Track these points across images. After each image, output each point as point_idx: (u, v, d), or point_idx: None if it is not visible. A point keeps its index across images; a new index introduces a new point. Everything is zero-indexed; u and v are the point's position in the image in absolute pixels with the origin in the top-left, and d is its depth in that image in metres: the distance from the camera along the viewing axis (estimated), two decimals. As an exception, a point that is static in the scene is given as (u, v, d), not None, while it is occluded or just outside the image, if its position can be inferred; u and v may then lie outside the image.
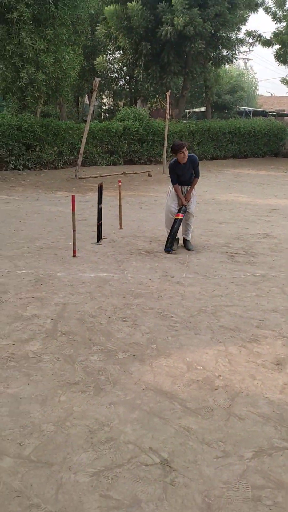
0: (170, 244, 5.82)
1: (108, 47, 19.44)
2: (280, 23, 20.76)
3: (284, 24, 20.57)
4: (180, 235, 6.15)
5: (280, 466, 2.16)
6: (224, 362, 3.11)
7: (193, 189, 6.05)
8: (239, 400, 2.68)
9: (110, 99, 27.32)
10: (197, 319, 3.82)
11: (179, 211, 5.94)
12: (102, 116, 26.33)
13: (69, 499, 1.93)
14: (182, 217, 5.93)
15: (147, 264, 5.29)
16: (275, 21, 20.83)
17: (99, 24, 18.09)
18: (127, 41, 17.08)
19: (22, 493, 1.95)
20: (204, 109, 27.11)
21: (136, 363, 3.06)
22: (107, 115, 26.10)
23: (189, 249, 5.95)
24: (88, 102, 28.75)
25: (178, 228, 5.88)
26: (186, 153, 5.76)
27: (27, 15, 11.63)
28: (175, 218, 5.89)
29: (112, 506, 1.90)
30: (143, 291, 4.43)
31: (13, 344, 3.25)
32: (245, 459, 2.20)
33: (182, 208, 5.95)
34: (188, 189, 6.00)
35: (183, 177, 5.95)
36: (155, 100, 26.01)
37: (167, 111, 15.07)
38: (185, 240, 6.12)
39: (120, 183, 7.38)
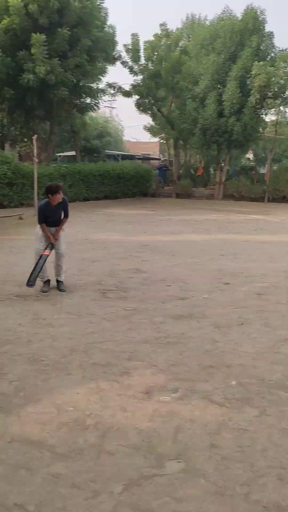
0: (33, 278, 5.68)
1: None
2: (137, 76, 22.63)
3: (141, 77, 22.48)
4: (52, 277, 6.07)
5: (149, 494, 2.18)
6: (95, 399, 3.09)
7: (62, 230, 6.08)
8: (110, 435, 2.67)
9: (-25, 142, 26.42)
10: (69, 359, 3.76)
11: (45, 248, 5.89)
12: None
13: None
14: (48, 254, 5.89)
15: (17, 309, 5.09)
16: (132, 74, 22.65)
17: None
18: (-11, 86, 16.91)
19: None
20: (73, 153, 27.82)
21: (1, 415, 2.87)
22: (-27, 159, 25.12)
23: (61, 290, 5.89)
24: None
25: (43, 263, 5.79)
26: (62, 195, 5.82)
27: None
28: (41, 254, 5.82)
29: None
30: (11, 337, 4.23)
31: None
32: (115, 495, 2.18)
33: (49, 245, 5.93)
34: (57, 228, 6.01)
35: (53, 218, 5.95)
36: (24, 143, 25.90)
37: (35, 155, 15.10)
38: (57, 281, 6.05)
39: (-15, 228, 7.07)
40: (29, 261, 7.79)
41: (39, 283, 5.87)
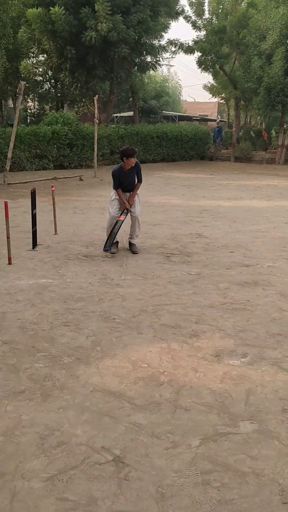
0: (109, 244, 5.87)
1: (31, 50, 19.06)
2: (200, 32, 21.63)
3: (204, 32, 21.47)
4: (120, 238, 6.20)
5: (225, 450, 2.30)
6: (167, 359, 3.23)
7: (137, 194, 6.12)
8: (183, 393, 2.80)
9: (36, 102, 26.79)
10: (139, 319, 3.92)
11: (121, 214, 6.01)
12: (28, 120, 25.75)
13: (25, 506, 1.92)
14: (123, 219, 6.02)
15: (86, 268, 5.31)
16: (195, 30, 21.67)
17: (21, 27, 17.69)
18: (52, 45, 16.89)
19: (-25, 507, 1.91)
20: (131, 113, 27.49)
21: (82, 366, 3.09)
22: (33, 119, 25.56)
23: (134, 252, 6.04)
24: (12, 106, 27.95)
25: (118, 229, 5.95)
26: (135, 159, 5.85)
27: None
28: (117, 220, 5.96)
29: (69, 508, 1.92)
30: (83, 295, 4.44)
31: None
32: (193, 447, 2.31)
33: (125, 211, 6.04)
34: (131, 193, 6.07)
35: (126, 182, 6.01)
36: (82, 104, 25.92)
37: (96, 116, 15.11)
38: (130, 243, 6.18)
39: (53, 188, 7.30)
40: (92, 221, 8.03)
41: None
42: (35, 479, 2.07)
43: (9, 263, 5.36)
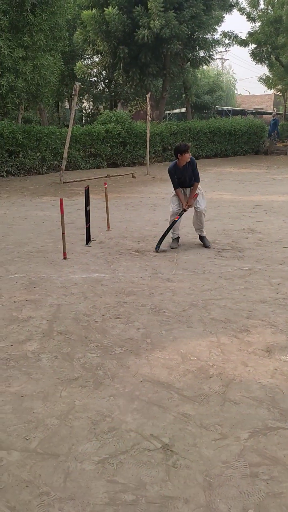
0: (159, 244, 5.94)
1: (86, 52, 19.53)
2: (254, 23, 21.13)
3: (259, 23, 20.94)
4: (177, 234, 6.24)
5: (275, 444, 2.28)
6: (217, 352, 3.23)
7: (199, 189, 6.10)
8: (233, 386, 2.79)
9: (90, 103, 27.42)
10: (189, 313, 3.94)
11: (179, 214, 6.05)
12: (83, 120, 26.41)
13: (77, 486, 2.01)
14: (178, 219, 6.06)
15: (137, 263, 5.39)
16: (250, 21, 21.19)
17: (77, 29, 18.17)
18: (106, 45, 17.21)
19: (32, 483, 2.03)
20: (184, 110, 27.40)
21: (132, 357, 3.16)
22: (88, 119, 26.19)
23: (206, 246, 6.08)
24: (68, 107, 28.78)
25: (170, 229, 6.03)
26: (190, 154, 5.86)
27: (4, 23, 11.65)
28: (174, 220, 6.03)
29: (118, 490, 1.99)
30: (134, 289, 4.53)
31: (11, 345, 3.32)
32: (241, 440, 2.31)
33: (181, 211, 6.06)
34: (190, 192, 6.07)
35: (182, 179, 6.03)
36: (135, 102, 26.20)
37: (148, 113, 15.21)
38: (201, 237, 6.23)
39: (106, 185, 7.47)
40: (144, 217, 8.13)
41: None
42: (87, 461, 2.16)
43: (64, 258, 5.57)
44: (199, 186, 6.12)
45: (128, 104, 26.78)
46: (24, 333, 3.53)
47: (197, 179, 6.02)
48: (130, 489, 1.99)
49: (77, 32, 18.30)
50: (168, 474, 2.08)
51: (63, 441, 2.30)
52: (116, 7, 16.20)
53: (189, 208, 6.10)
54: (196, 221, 6.19)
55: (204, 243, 6.17)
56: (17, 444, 2.27)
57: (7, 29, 11.88)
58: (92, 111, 27.04)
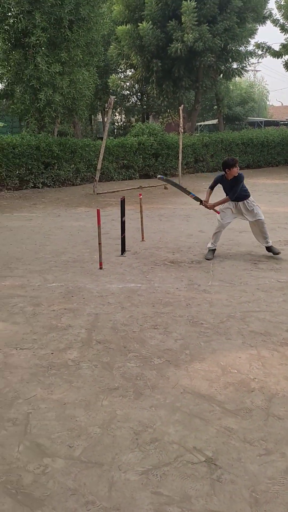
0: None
1: (120, 66, 19.90)
2: (288, 34, 20.99)
3: (293, 34, 20.79)
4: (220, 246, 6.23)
5: None
6: (257, 366, 3.18)
7: (253, 202, 6.06)
8: (276, 401, 2.73)
9: (123, 115, 27.83)
10: (227, 325, 3.90)
11: (195, 198, 6.31)
12: (115, 133, 26.82)
13: (122, 496, 2.01)
14: (192, 196, 6.36)
15: (172, 274, 5.39)
16: (284, 33, 21.07)
17: (112, 44, 18.57)
18: (139, 59, 17.48)
19: (77, 491, 2.04)
20: (215, 121, 27.41)
21: (172, 368, 3.15)
22: (120, 131, 26.57)
23: (276, 253, 6.07)
24: (101, 120, 29.31)
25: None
26: (238, 169, 5.86)
27: (43, 39, 12.04)
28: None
29: (163, 502, 1.98)
30: (171, 299, 4.53)
31: (52, 353, 3.37)
32: (287, 456, 2.25)
33: (199, 199, 6.28)
34: (242, 206, 6.06)
35: (228, 192, 6.04)
36: (166, 114, 26.40)
37: (181, 125, 15.30)
38: (268, 248, 6.15)
39: (141, 196, 7.53)
40: (178, 228, 8.13)
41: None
42: (131, 471, 2.16)
43: (100, 268, 5.63)
44: (252, 198, 6.07)
45: (160, 116, 27.03)
46: (64, 342, 3.58)
47: (231, 196, 5.97)
48: (175, 502, 1.97)
49: (111, 46, 18.70)
50: (213, 488, 2.05)
51: (106, 450, 2.31)
52: (150, 22, 16.48)
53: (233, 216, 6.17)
54: (259, 233, 6.11)
55: (273, 251, 6.10)
56: (61, 452, 2.30)
57: (45, 45, 12.27)
58: (124, 124, 27.44)
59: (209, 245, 6.16)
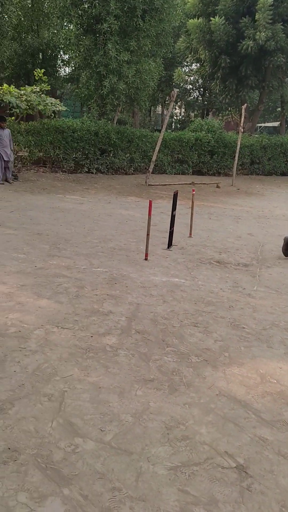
0: None
1: (186, 59, 19.72)
2: None
3: None
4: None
5: None
6: (299, 379, 3.06)
7: None
8: (315, 418, 2.62)
9: (183, 110, 27.64)
10: (270, 332, 3.78)
11: None
12: (173, 126, 26.69)
13: (149, 488, 2.00)
14: None
15: (217, 274, 5.30)
16: None
17: (182, 36, 18.42)
18: (207, 54, 17.23)
19: (105, 476, 2.05)
20: (276, 124, 26.65)
21: (209, 368, 3.10)
22: (178, 125, 26.41)
23: None
24: (160, 112, 29.26)
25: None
26: None
27: (115, 27, 12.10)
28: None
29: (189, 501, 1.95)
30: (214, 299, 4.45)
31: (91, 336, 3.41)
32: None
33: None
34: None
35: None
36: (227, 112, 25.95)
37: (241, 125, 14.98)
38: None
39: (194, 192, 7.44)
40: (227, 228, 7.99)
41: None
42: (159, 465, 2.14)
43: (146, 259, 5.62)
44: None
45: (220, 114, 26.61)
46: (104, 327, 3.60)
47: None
48: (202, 503, 1.94)
49: (180, 39, 18.54)
50: (242, 496, 2.00)
51: (137, 440, 2.30)
52: (222, 17, 16.18)
53: None
54: None
55: None
56: (93, 434, 2.31)
57: (117, 33, 12.33)
58: (183, 118, 27.24)
59: None
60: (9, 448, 2.16)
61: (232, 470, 2.16)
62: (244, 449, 2.31)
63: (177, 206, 7.04)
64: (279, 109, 24.27)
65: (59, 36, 18.24)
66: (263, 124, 31.78)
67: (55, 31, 18.75)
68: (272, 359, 3.31)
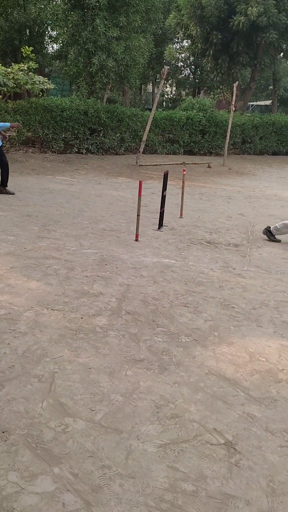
0: None
1: (177, 36, 19.32)
2: None
3: None
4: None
5: None
6: (287, 357, 3.10)
7: None
8: (303, 395, 2.67)
9: (173, 88, 27.23)
10: (259, 312, 3.81)
11: None
12: (164, 105, 26.32)
13: (138, 466, 2.03)
14: None
15: (208, 254, 5.31)
16: None
17: (172, 12, 18.00)
18: (198, 30, 16.90)
19: (95, 454, 2.07)
20: (268, 102, 26.41)
21: (199, 347, 3.12)
22: (169, 104, 26.05)
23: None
24: (151, 90, 28.79)
25: None
26: None
27: (103, 2, 11.77)
28: None
29: (178, 478, 1.98)
30: (204, 279, 4.46)
31: (82, 318, 3.40)
32: (309, 452, 2.20)
33: None
34: None
35: None
36: (218, 91, 25.62)
37: (233, 103, 14.81)
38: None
39: (185, 172, 7.39)
40: (217, 208, 7.97)
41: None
42: (149, 443, 2.17)
43: (136, 240, 5.60)
44: None
45: (211, 92, 26.26)
46: (94, 308, 3.60)
47: None
48: (191, 479, 1.97)
49: (170, 15, 18.12)
50: (230, 472, 2.04)
51: (127, 419, 2.32)
52: (214, -9, 15.81)
53: None
54: None
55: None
56: (83, 414, 2.33)
57: (105, 8, 12.00)
58: (174, 96, 26.85)
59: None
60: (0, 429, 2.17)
61: (221, 446, 2.19)
62: (232, 426, 2.34)
63: (167, 187, 6.99)
64: (271, 87, 24.00)
65: (46, 12, 17.71)
66: (255, 103, 31.46)
67: (42, 6, 18.21)
68: (261, 338, 3.34)
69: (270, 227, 6.12)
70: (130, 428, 2.26)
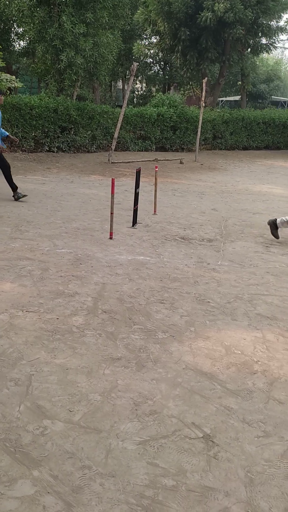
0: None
1: (145, 32, 19.30)
2: None
3: None
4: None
5: None
6: (262, 349, 3.16)
7: None
8: (278, 385, 2.73)
9: (144, 84, 27.21)
10: (234, 305, 3.87)
11: None
12: (135, 102, 26.27)
13: (118, 464, 2.03)
14: None
15: (182, 250, 5.35)
16: None
17: (139, 8, 17.96)
18: (166, 26, 16.92)
19: (74, 455, 2.07)
20: (237, 97, 26.73)
21: (176, 343, 3.15)
22: (140, 100, 26.02)
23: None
24: (121, 87, 28.69)
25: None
26: None
27: (69, -3, 11.65)
28: None
29: (158, 474, 2.00)
30: (179, 275, 4.50)
31: (57, 318, 3.38)
32: (285, 440, 2.26)
33: None
34: None
35: None
36: (188, 87, 25.76)
37: (202, 99, 14.90)
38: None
39: (157, 169, 7.41)
40: (191, 204, 8.03)
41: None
42: (128, 440, 2.18)
43: (110, 238, 5.59)
44: None
45: (181, 88, 26.38)
46: (70, 308, 3.58)
47: None
48: (171, 474, 1.99)
49: (138, 11, 18.08)
50: (209, 464, 2.07)
51: (106, 418, 2.32)
52: (180, -13, 15.86)
53: None
54: None
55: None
56: (61, 415, 2.32)
57: (72, 4, 11.87)
58: (145, 93, 26.84)
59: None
60: (-24, 435, 2.14)
61: (199, 440, 2.22)
62: (210, 419, 2.38)
63: (140, 184, 6.99)
64: (240, 82, 24.28)
65: (11, 8, 17.37)
66: (224, 98, 31.77)
67: (7, 2, 17.84)
68: (236, 331, 3.39)
69: (276, 219, 6.03)
70: (109, 427, 2.26)
